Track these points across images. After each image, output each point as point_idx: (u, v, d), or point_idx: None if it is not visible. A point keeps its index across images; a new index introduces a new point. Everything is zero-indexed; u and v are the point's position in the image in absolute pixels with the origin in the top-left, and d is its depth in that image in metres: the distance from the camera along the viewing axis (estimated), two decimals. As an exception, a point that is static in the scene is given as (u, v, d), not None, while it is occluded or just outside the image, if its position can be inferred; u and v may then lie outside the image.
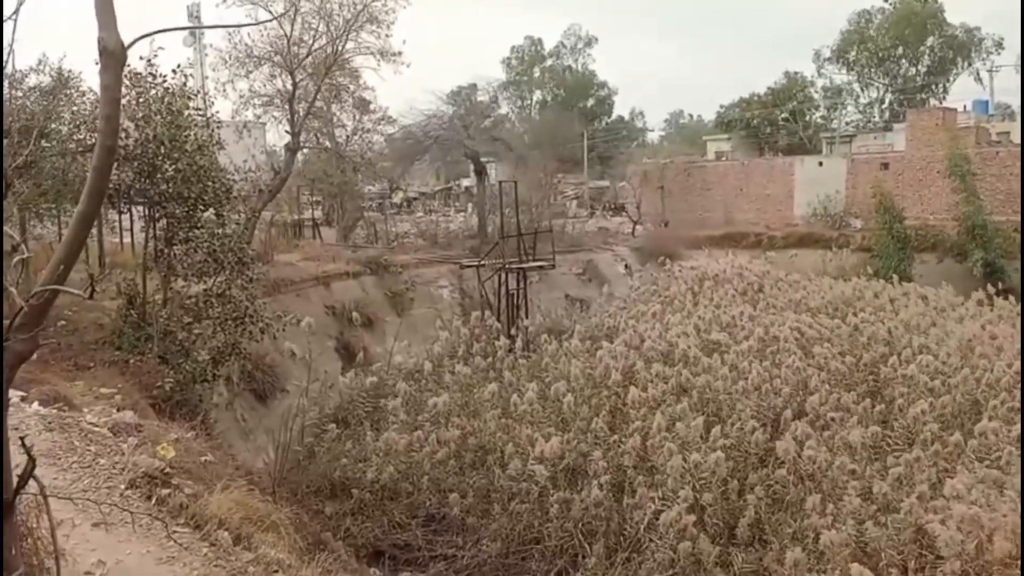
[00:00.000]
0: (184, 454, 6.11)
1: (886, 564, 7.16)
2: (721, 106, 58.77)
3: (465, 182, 52.54)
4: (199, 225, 10.60)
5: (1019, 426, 9.27)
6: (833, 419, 9.78)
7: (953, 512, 7.20)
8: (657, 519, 7.85)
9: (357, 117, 25.57)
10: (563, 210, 40.54)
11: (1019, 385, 10.70)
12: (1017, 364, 11.46)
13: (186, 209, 10.70)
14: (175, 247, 11.00)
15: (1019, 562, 6.46)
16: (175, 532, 4.34)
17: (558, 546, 8.35)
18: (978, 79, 52.77)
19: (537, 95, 68.37)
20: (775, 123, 53.08)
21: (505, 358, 13.64)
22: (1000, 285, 21.75)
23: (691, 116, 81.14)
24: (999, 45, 53.30)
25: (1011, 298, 19.74)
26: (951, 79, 54.80)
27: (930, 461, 8.66)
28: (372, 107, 25.69)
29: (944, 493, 7.69)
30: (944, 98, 52.95)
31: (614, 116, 69.90)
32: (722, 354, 12.56)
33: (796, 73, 57.07)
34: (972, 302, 18.64)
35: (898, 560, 7.11)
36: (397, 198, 46.43)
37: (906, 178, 30.85)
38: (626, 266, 27.93)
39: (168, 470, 5.13)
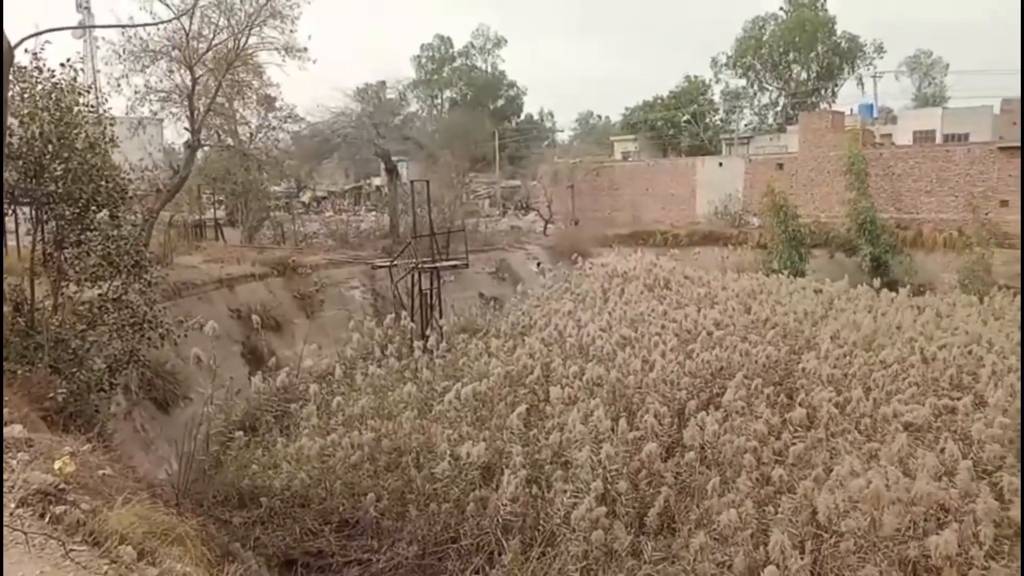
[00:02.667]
0: (80, 468, 5.79)
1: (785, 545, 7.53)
2: (626, 108, 60.30)
3: (376, 181, 51.84)
4: (92, 227, 10.05)
5: (896, 407, 9.96)
6: (738, 408, 10.21)
7: (849, 488, 7.69)
8: (571, 512, 8.01)
9: (262, 114, 24.83)
10: (476, 209, 40.64)
11: (904, 371, 11.50)
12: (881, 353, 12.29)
13: (77, 210, 10.11)
14: (66, 250, 10.39)
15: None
16: (72, 551, 4.12)
17: (475, 544, 8.38)
18: (861, 84, 56.23)
19: (447, 94, 68.20)
20: (678, 125, 54.86)
21: (420, 358, 13.58)
22: (885, 278, 23.31)
23: (599, 117, 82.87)
24: (880, 50, 56.99)
25: (898, 290, 21.17)
26: (839, 84, 58.17)
27: (826, 443, 9.19)
28: (278, 104, 25.01)
29: (840, 472, 8.19)
30: (833, 102, 56.17)
31: (523, 116, 70.58)
32: (633, 349, 12.94)
33: (696, 77, 59.25)
34: (865, 295, 19.85)
35: (797, 540, 7.48)
36: (305, 197, 45.34)
37: (799, 178, 32.53)
38: (538, 264, 28.26)
39: (63, 486, 4.84)
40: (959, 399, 10.12)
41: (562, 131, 78.75)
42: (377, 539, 8.86)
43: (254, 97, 23.99)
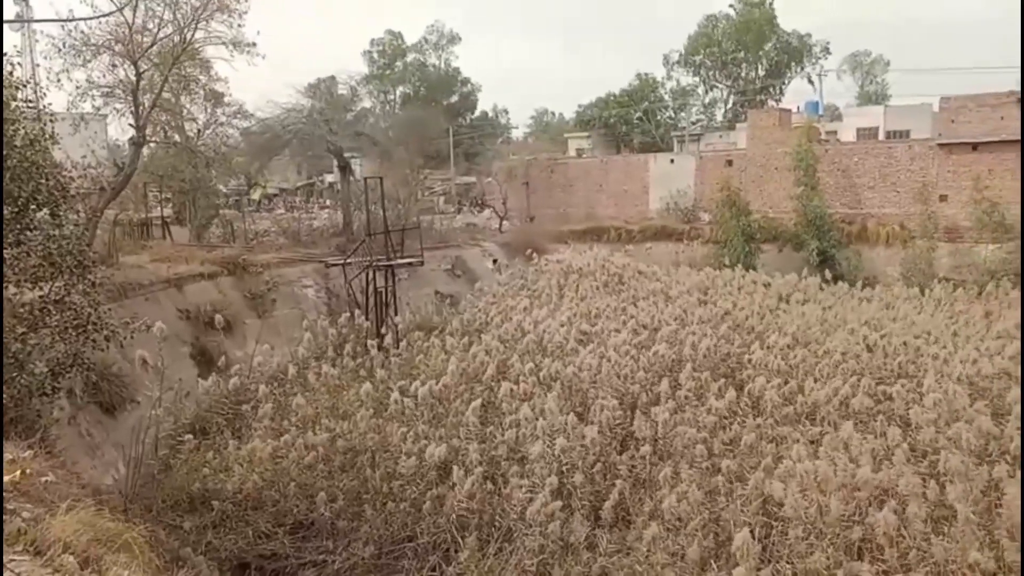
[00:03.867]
0: (21, 475, 5.62)
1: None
2: (580, 105, 60.68)
3: (329, 178, 51.19)
4: (32, 227, 9.72)
5: (840, 395, 10.26)
6: (688, 399, 10.40)
7: (798, 475, 7.90)
8: (527, 507, 8.06)
9: (209, 110, 24.32)
10: (431, 206, 40.47)
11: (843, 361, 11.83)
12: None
13: (16, 209, 9.76)
14: (4, 251, 10.02)
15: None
16: (12, 560, 4.00)
17: (431, 542, 8.38)
18: (809, 82, 57.57)
19: (400, 90, 67.67)
20: (630, 122, 55.41)
21: (375, 357, 13.48)
22: (831, 271, 23.95)
23: (554, 114, 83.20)
24: (827, 51, 58.45)
25: (844, 283, 21.79)
26: (786, 82, 59.46)
27: (773, 432, 9.41)
28: (226, 99, 24.52)
29: (788, 460, 8.41)
30: (780, 99, 57.46)
31: (478, 113, 70.46)
32: (589, 344, 13.07)
33: (648, 75, 59.95)
34: (812, 288, 20.41)
35: (748, 529, 7.65)
36: (255, 194, 44.55)
37: (748, 174, 33.15)
38: (494, 261, 28.27)
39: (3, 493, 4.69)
40: (899, 386, 10.49)
41: (516, 128, 78.86)
42: (333, 540, 8.79)
43: (201, 92, 23.49)
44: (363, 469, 9.61)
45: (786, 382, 10.90)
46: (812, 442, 9.37)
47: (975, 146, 28.48)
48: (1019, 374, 10.99)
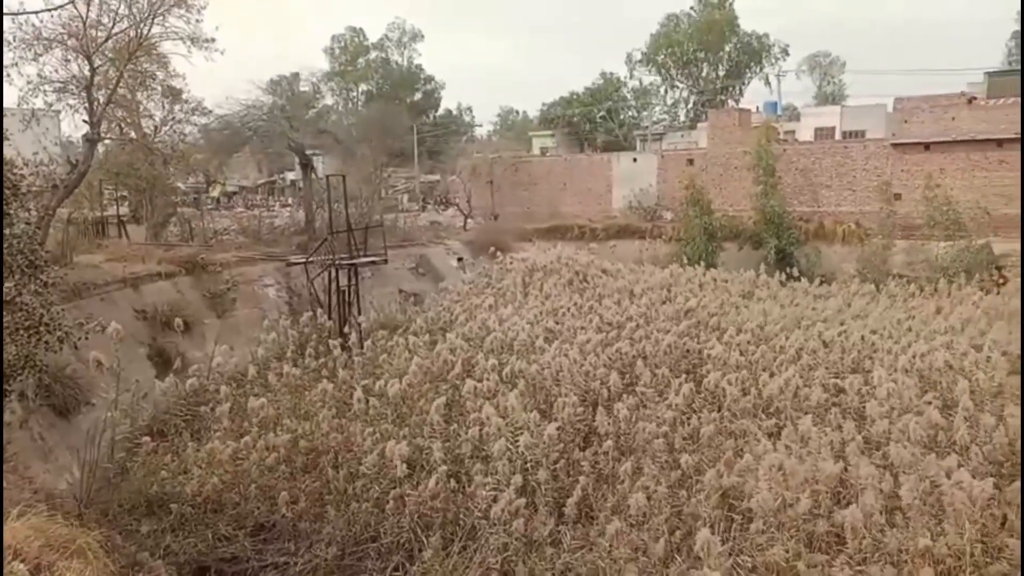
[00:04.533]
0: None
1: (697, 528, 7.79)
2: (544, 104, 60.88)
3: (290, 175, 50.58)
4: (-20, 225, 9.43)
5: (798, 390, 10.47)
6: (649, 395, 10.52)
7: (758, 466, 8.04)
8: (491, 505, 8.08)
9: (167, 106, 23.82)
10: (394, 204, 40.25)
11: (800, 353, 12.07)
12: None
13: (-38, 208, 9.47)
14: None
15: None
16: (-41, 569, 3.90)
17: (395, 542, 8.34)
18: (766, 83, 58.56)
19: (363, 87, 67.16)
20: (594, 121, 55.77)
21: (338, 356, 13.38)
22: (790, 269, 24.41)
23: (518, 112, 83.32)
24: (785, 52, 59.50)
25: (802, 280, 22.22)
26: (746, 82, 60.39)
27: (732, 426, 9.56)
28: (184, 96, 24.05)
29: (752, 450, 8.55)
30: (739, 99, 58.35)
31: (442, 110, 70.26)
32: (552, 342, 13.14)
33: (611, 74, 60.40)
34: (772, 285, 20.80)
35: (709, 522, 7.76)
36: (215, 192, 43.83)
37: (709, 173, 33.61)
38: (459, 259, 28.22)
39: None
40: (853, 380, 10.76)
41: (481, 126, 78.84)
42: (294, 542, 8.70)
43: (158, 89, 22.98)
44: (325, 470, 9.53)
45: (745, 377, 11.08)
46: (770, 435, 9.55)
47: (927, 146, 29.27)
48: (964, 367, 11.35)
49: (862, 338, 12.96)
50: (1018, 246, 25.53)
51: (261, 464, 9.71)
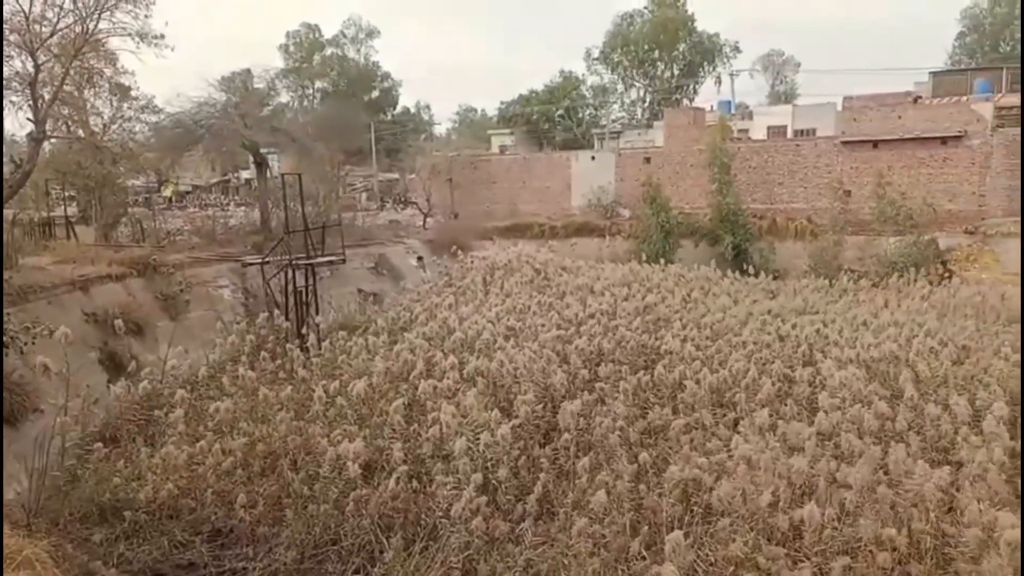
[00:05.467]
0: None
1: (660, 523, 7.88)
2: (503, 102, 60.90)
3: (245, 174, 49.74)
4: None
5: (754, 383, 10.68)
6: (607, 390, 10.62)
7: (717, 460, 8.16)
8: (452, 504, 8.07)
9: (115, 104, 23.32)
10: (352, 203, 39.90)
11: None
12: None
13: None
14: None
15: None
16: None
17: (355, 544, 8.28)
18: (717, 82, 59.48)
19: (318, 84, 66.35)
20: (552, 119, 56.00)
21: (296, 358, 13.22)
22: (745, 265, 24.87)
23: (476, 111, 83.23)
24: (736, 50, 60.48)
25: (757, 275, 22.66)
26: (700, 81, 61.25)
27: (688, 420, 9.69)
28: (133, 93, 23.55)
29: (709, 445, 8.67)
30: (694, 98, 59.19)
31: (400, 108, 69.82)
32: (514, 340, 13.18)
33: (570, 72, 60.72)
34: (728, 281, 21.17)
35: (672, 517, 7.83)
36: (167, 192, 42.94)
37: (666, 171, 34.04)
38: (419, 258, 28.11)
39: None
40: (805, 371, 11.02)
41: (439, 124, 78.60)
42: (253, 546, 8.57)
43: (106, 86, 22.49)
44: (284, 473, 9.42)
45: (702, 371, 11.26)
46: (727, 429, 9.73)
47: (875, 144, 30.10)
48: (907, 357, 11.71)
49: (816, 331, 13.26)
50: (960, 240, 26.44)
51: (217, 468, 9.54)
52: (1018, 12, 56.48)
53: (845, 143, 30.82)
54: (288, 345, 13.70)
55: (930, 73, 41.16)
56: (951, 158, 28.79)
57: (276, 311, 16.26)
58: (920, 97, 36.92)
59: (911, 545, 7.06)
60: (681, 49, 59.44)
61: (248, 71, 35.32)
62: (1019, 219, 26.23)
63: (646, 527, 7.80)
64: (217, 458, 9.65)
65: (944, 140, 28.75)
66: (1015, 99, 36.15)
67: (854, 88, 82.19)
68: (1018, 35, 57.14)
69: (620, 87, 62.84)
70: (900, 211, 26.41)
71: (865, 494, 7.47)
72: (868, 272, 24.33)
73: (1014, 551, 6.23)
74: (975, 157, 28.39)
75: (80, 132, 22.99)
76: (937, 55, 67.16)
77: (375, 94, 66.34)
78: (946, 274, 23.91)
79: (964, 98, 33.16)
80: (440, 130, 76.28)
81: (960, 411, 9.28)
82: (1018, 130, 29.00)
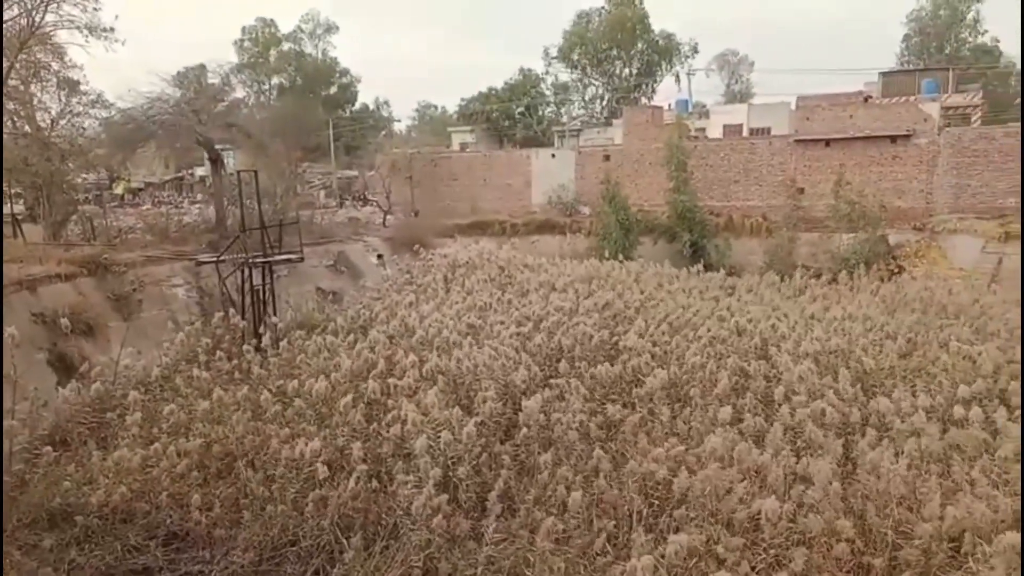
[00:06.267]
0: None
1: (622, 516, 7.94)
2: (462, 99, 60.73)
3: (199, 171, 48.80)
4: None
5: (712, 377, 10.84)
6: (567, 386, 10.68)
7: (672, 454, 8.26)
8: (412, 503, 8.05)
9: (63, 99, 22.70)
10: (311, 200, 39.41)
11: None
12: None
13: None
14: None
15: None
16: None
17: (315, 545, 8.22)
18: (676, 80, 60.18)
19: (275, 80, 65.36)
20: (512, 117, 56.04)
21: (253, 358, 13.03)
22: (703, 261, 25.24)
23: (436, 107, 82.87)
24: (695, 50, 61.22)
25: (714, 272, 23.02)
26: (658, 80, 61.83)
27: (646, 414, 9.81)
28: (82, 87, 22.94)
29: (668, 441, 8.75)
30: (652, 97, 59.77)
31: (358, 105, 69.17)
32: (476, 337, 13.18)
33: (529, 70, 60.78)
34: (685, 277, 21.47)
35: (632, 511, 7.89)
36: (118, 189, 41.92)
37: (624, 169, 34.35)
38: (379, 256, 27.92)
39: None
40: (760, 365, 11.23)
41: (399, 121, 78.06)
42: (209, 549, 8.46)
43: (54, 80, 21.88)
44: (241, 474, 9.29)
45: (660, 366, 11.40)
46: (685, 423, 9.86)
47: (828, 142, 30.79)
48: (856, 351, 12.02)
49: (771, 326, 13.52)
50: (909, 236, 27.23)
51: (172, 471, 9.38)
52: (961, 17, 58.35)
53: (798, 141, 31.46)
54: (244, 346, 13.50)
55: (880, 73, 42.22)
56: (900, 156, 29.61)
57: (232, 310, 15.99)
58: (871, 97, 37.88)
59: (866, 537, 7.21)
60: (639, 48, 59.95)
61: (202, 66, 34.64)
62: (963, 216, 27.15)
63: (608, 522, 7.86)
64: (172, 460, 9.49)
65: (893, 139, 29.54)
66: (960, 99, 37.37)
67: (808, 88, 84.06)
68: (963, 36, 59.04)
69: (580, 85, 63.18)
70: (855, 209, 27.07)
71: (824, 487, 7.58)
72: (821, 268, 24.89)
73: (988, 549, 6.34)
74: (923, 155, 29.23)
75: (27, 127, 22.32)
76: (887, 56, 68.96)
77: (333, 90, 65.61)
78: (896, 270, 24.60)
79: (912, 98, 34.12)
80: (400, 127, 75.83)
81: (905, 405, 9.58)
82: (962, 129, 29.98)
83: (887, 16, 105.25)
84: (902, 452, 8.24)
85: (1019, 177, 27.24)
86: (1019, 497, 7.14)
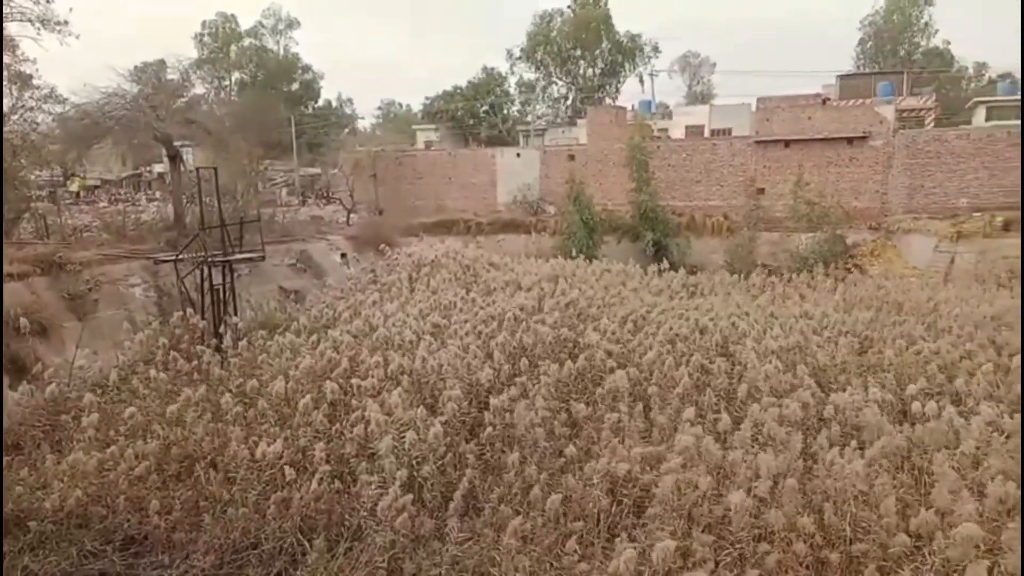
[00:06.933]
0: None
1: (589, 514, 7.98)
2: (427, 97, 60.48)
3: (158, 168, 47.81)
4: None
5: (673, 375, 10.97)
6: (531, 385, 10.71)
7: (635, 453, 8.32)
8: (377, 504, 8.01)
9: (15, 93, 22.00)
10: (273, 198, 38.87)
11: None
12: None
13: None
14: None
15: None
16: None
17: (277, 547, 8.13)
18: (640, 81, 60.68)
19: (236, 76, 64.34)
20: (477, 115, 55.97)
21: (213, 358, 12.84)
22: (665, 260, 25.51)
23: (401, 105, 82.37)
24: (656, 50, 61.78)
25: (677, 270, 23.29)
26: (621, 80, 62.29)
27: (610, 412, 9.87)
28: (35, 82, 22.28)
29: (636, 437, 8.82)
30: (616, 97, 60.20)
31: (321, 102, 68.45)
32: (440, 336, 13.15)
33: (494, 69, 60.78)
34: (649, 275, 21.69)
35: (597, 509, 7.93)
36: (73, 186, 40.90)
37: (589, 168, 34.53)
38: (342, 255, 27.66)
39: None
40: (722, 362, 11.40)
41: (363, 118, 77.46)
42: (169, 553, 8.32)
43: (5, 74, 21.18)
44: (200, 477, 9.15)
45: (622, 364, 11.50)
46: (649, 421, 9.95)
47: (787, 143, 31.33)
48: (812, 348, 12.27)
49: (732, 324, 13.73)
50: (865, 236, 27.86)
51: (130, 474, 9.20)
52: (913, 21, 59.84)
53: (759, 142, 31.96)
54: (200, 347, 13.29)
55: (837, 76, 43.10)
56: (857, 158, 30.26)
57: (191, 310, 15.72)
58: (828, 99, 38.65)
59: (825, 532, 7.34)
60: (603, 48, 60.32)
61: (161, 62, 33.89)
62: (917, 216, 27.87)
63: (576, 521, 7.88)
64: (130, 463, 9.31)
65: (850, 140, 30.18)
66: (915, 102, 38.32)
67: (768, 90, 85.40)
68: (916, 40, 60.53)
69: (544, 85, 63.31)
70: (813, 209, 27.59)
71: (774, 482, 7.72)
72: (781, 267, 25.34)
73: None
74: (879, 157, 29.92)
75: (-25, 122, 21.61)
76: (845, 59, 70.42)
77: (295, 86, 64.81)
78: (853, 268, 25.16)
79: (869, 100, 34.90)
80: (364, 124, 75.23)
81: (854, 399, 9.80)
82: (916, 132, 30.75)
83: (844, 19, 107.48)
84: (860, 448, 8.44)
85: (970, 179, 28.09)
86: (983, 493, 7.29)
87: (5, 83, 21.32)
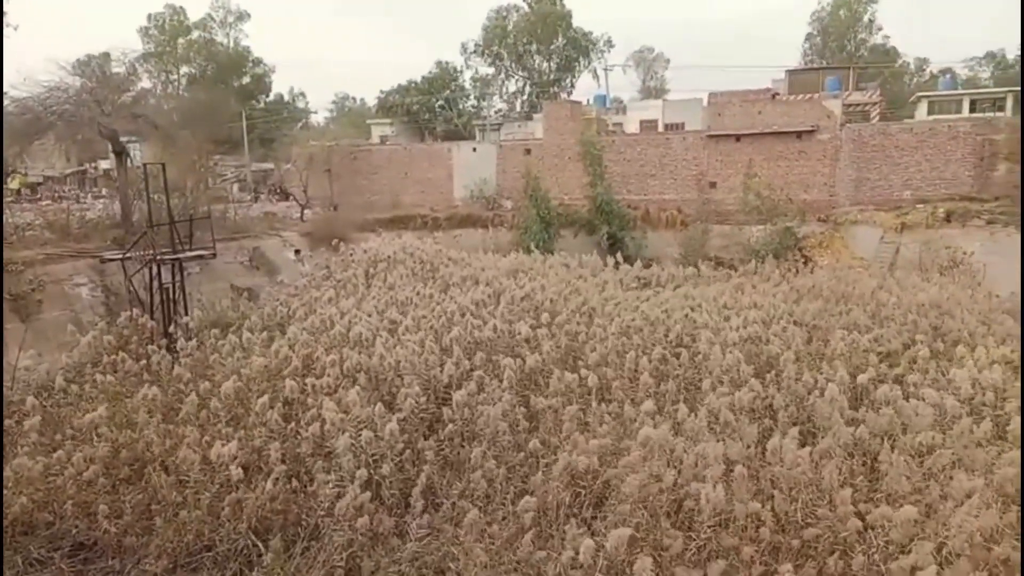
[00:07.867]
0: None
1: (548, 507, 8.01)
2: (381, 91, 59.88)
3: (103, 164, 46.44)
4: None
5: (632, 366, 11.10)
6: (488, 380, 10.73)
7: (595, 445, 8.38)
8: (335, 503, 7.96)
9: (-51, 87, 21.16)
10: (224, 194, 38.05)
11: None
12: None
13: None
14: None
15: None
16: None
17: (231, 549, 8.01)
18: (595, 76, 61.06)
19: (184, 70, 62.86)
20: (433, 110, 55.63)
21: (163, 359, 12.56)
22: (621, 253, 25.76)
23: (355, 99, 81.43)
24: (609, 44, 62.17)
25: (631, 263, 23.54)
26: (576, 75, 62.57)
27: (568, 405, 9.95)
28: (-31, 75, 21.41)
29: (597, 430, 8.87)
30: (572, 92, 60.45)
31: (273, 96, 67.28)
32: (396, 333, 13.07)
33: (448, 63, 60.46)
34: (604, 269, 21.89)
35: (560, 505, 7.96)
36: (14, 184, 39.51)
37: (545, 163, 34.66)
38: (296, 252, 27.28)
39: None
40: (682, 353, 11.57)
41: (316, 112, 76.33)
42: (120, 558, 8.13)
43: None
44: (151, 479, 8.96)
45: (578, 357, 11.59)
46: (609, 412, 10.03)
47: (738, 137, 31.89)
48: (766, 338, 12.55)
49: (686, 316, 13.93)
50: (815, 228, 28.53)
51: (78, 478, 8.96)
52: (859, 17, 61.36)
53: (711, 137, 32.46)
54: (151, 347, 13.00)
55: (786, 71, 43.96)
56: (805, 151, 30.96)
57: (140, 310, 15.36)
58: (778, 94, 39.42)
59: (776, 518, 7.51)
60: (559, 43, 60.48)
61: (106, 55, 32.86)
62: (863, 208, 28.66)
63: (534, 513, 7.89)
64: (78, 467, 9.07)
65: (799, 134, 30.86)
66: (861, 96, 39.31)
67: (719, 85, 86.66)
68: (861, 36, 62.10)
69: (501, 79, 63.25)
70: (764, 202, 28.14)
71: (716, 469, 7.79)
72: (733, 259, 25.80)
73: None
74: (826, 150, 30.66)
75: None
76: (794, 54, 71.96)
77: (246, 80, 63.58)
78: (802, 260, 25.76)
79: (816, 95, 35.71)
80: (317, 119, 74.19)
81: (802, 387, 10.06)
82: (862, 125, 31.57)
83: (794, 15, 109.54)
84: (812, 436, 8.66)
85: (913, 171, 28.96)
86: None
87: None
